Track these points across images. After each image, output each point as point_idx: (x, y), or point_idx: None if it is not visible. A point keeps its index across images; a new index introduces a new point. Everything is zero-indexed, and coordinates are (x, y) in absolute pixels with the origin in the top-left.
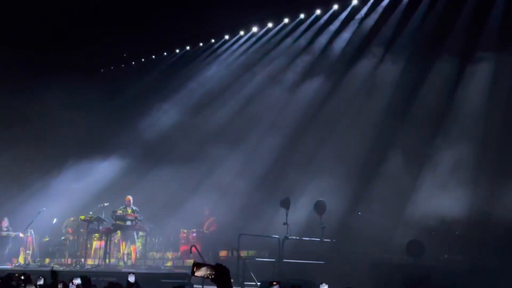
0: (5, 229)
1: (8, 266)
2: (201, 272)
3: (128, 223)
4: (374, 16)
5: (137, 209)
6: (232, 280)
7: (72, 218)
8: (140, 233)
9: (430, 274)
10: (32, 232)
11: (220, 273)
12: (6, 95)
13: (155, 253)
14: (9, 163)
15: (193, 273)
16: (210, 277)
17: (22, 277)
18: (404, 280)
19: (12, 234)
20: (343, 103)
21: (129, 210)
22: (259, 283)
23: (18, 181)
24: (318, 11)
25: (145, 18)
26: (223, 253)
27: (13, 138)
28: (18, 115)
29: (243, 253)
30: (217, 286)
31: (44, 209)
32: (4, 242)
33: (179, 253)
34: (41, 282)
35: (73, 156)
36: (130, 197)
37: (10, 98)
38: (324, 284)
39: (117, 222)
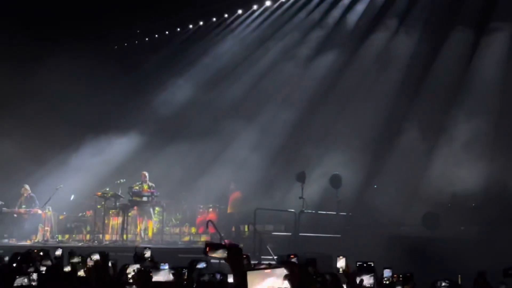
0: (29, 198)
1: (27, 243)
2: (214, 253)
3: (145, 198)
4: None
5: (153, 185)
6: (248, 254)
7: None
8: (157, 209)
9: (446, 245)
10: (50, 209)
11: (233, 253)
12: (23, 70)
13: (171, 229)
14: (26, 140)
15: (205, 253)
16: (224, 257)
17: (41, 253)
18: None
19: (30, 211)
20: (358, 76)
21: (145, 186)
22: (275, 257)
23: (36, 157)
24: None
25: None
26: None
27: (30, 114)
28: (35, 91)
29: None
30: (229, 265)
31: (62, 185)
32: (21, 219)
33: (196, 228)
34: (59, 252)
35: (90, 132)
36: (145, 173)
37: (26, 73)
38: (341, 257)
39: (134, 198)
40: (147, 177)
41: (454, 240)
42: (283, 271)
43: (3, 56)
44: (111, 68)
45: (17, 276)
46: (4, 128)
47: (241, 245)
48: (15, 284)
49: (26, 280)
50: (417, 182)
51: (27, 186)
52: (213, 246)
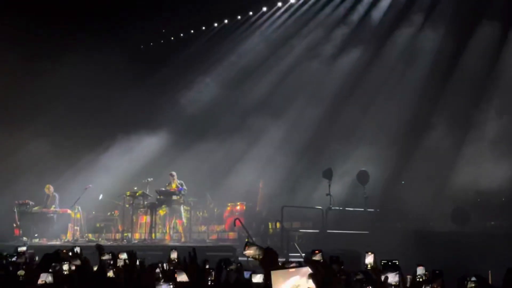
0: (51, 197)
1: (57, 242)
2: (250, 252)
3: (174, 197)
4: None
5: (182, 182)
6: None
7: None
8: (185, 207)
9: (475, 241)
10: (80, 208)
11: (269, 257)
12: (53, 71)
13: (199, 227)
14: (57, 140)
15: (244, 251)
16: (257, 258)
17: (70, 253)
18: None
19: (59, 211)
20: (383, 72)
21: (174, 185)
22: (303, 254)
23: (66, 157)
24: None
25: None
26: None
27: (61, 113)
28: (66, 91)
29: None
30: (263, 267)
31: (91, 185)
32: (50, 219)
33: (224, 226)
34: (77, 249)
35: (119, 132)
36: (173, 172)
37: (56, 73)
38: (369, 253)
39: (162, 197)
40: (175, 176)
41: (484, 236)
42: (308, 270)
43: (34, 57)
44: (137, 67)
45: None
46: (36, 128)
47: (268, 243)
48: (39, 281)
49: (50, 277)
50: (445, 177)
51: (49, 186)
52: (251, 245)
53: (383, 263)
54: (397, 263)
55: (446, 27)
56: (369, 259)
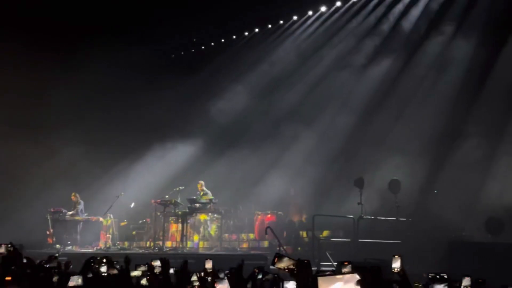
0: (77, 204)
1: (89, 250)
2: (281, 264)
3: (203, 206)
4: None
5: (209, 192)
6: (309, 260)
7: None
8: (215, 216)
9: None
10: (112, 216)
11: (301, 268)
12: (86, 79)
13: (230, 235)
14: (90, 147)
15: (273, 263)
16: (289, 270)
17: (104, 260)
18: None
19: (81, 218)
20: (415, 81)
21: (201, 193)
22: (335, 263)
23: (99, 164)
24: None
25: (214, 1)
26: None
27: (94, 121)
28: (99, 100)
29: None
30: (296, 279)
31: (122, 193)
32: (82, 227)
33: (254, 234)
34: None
35: (151, 140)
36: (201, 182)
37: (89, 82)
38: (396, 256)
39: (193, 205)
40: (203, 185)
41: None
42: (353, 277)
43: (66, 65)
44: (169, 76)
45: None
46: (69, 136)
47: (299, 249)
48: (70, 283)
49: (80, 280)
50: (478, 187)
51: (76, 193)
52: (281, 257)
53: (431, 276)
54: (445, 276)
55: (478, 35)
56: (397, 263)
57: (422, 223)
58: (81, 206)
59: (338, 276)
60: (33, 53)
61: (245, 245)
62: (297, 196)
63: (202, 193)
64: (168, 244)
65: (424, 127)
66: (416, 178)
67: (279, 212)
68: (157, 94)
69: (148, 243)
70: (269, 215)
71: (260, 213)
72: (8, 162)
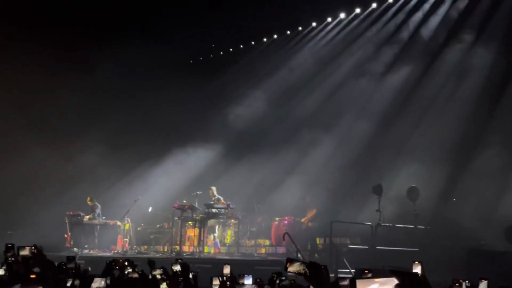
0: (95, 208)
1: (107, 254)
2: (293, 268)
3: (221, 211)
4: None
5: (221, 198)
6: (326, 265)
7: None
8: (232, 221)
9: None
10: (129, 220)
11: (315, 271)
12: (105, 83)
13: (247, 241)
14: (108, 151)
15: (286, 269)
16: (303, 274)
17: (126, 263)
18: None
19: (98, 221)
20: (434, 88)
21: (213, 199)
22: (353, 270)
23: (117, 169)
24: None
25: (233, 7)
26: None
27: (112, 125)
28: (116, 103)
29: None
30: (311, 284)
31: (140, 198)
32: (99, 230)
33: (272, 240)
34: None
35: (169, 145)
36: (213, 188)
37: (108, 87)
38: (416, 262)
39: (209, 210)
40: (215, 191)
41: None
42: (390, 280)
43: (85, 71)
44: (187, 81)
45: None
46: (88, 140)
47: (316, 255)
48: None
49: (103, 282)
50: (497, 196)
51: (92, 198)
52: (293, 261)
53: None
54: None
55: (498, 44)
56: (417, 269)
57: (441, 231)
58: (98, 210)
59: (376, 279)
60: (51, 56)
61: (262, 251)
62: (312, 203)
63: (213, 198)
64: (185, 248)
65: (443, 134)
66: (435, 186)
67: (297, 218)
68: (176, 98)
69: (165, 247)
70: (286, 221)
71: (277, 218)
72: (28, 166)
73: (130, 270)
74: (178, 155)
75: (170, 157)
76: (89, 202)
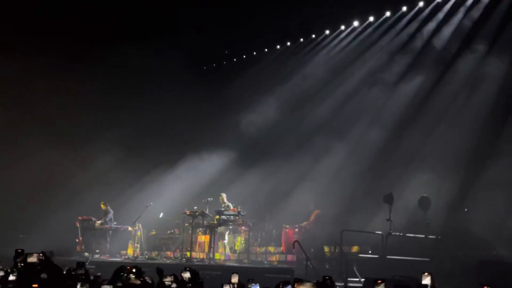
0: (107, 213)
1: (117, 259)
2: None
3: (231, 218)
4: (479, 7)
5: (230, 205)
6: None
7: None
8: (243, 228)
9: None
10: (140, 226)
11: None
12: (118, 90)
13: (258, 248)
14: (120, 157)
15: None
16: None
17: (134, 270)
18: None
19: (120, 227)
20: (447, 98)
21: (223, 206)
22: (362, 279)
23: (129, 174)
24: (421, 3)
25: (247, 14)
26: (325, 249)
27: (125, 131)
28: (129, 109)
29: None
30: None
31: (151, 203)
32: (110, 235)
33: (282, 248)
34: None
35: (181, 151)
36: (223, 194)
37: (121, 93)
38: (426, 273)
39: (220, 217)
40: (225, 198)
41: None
42: None
43: (105, 77)
44: (200, 88)
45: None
46: (100, 146)
47: (326, 266)
48: None
49: None
50: (510, 205)
51: (105, 202)
52: (301, 282)
53: None
54: None
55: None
56: (427, 280)
57: (452, 241)
58: (110, 215)
59: None
60: (65, 59)
61: (272, 258)
62: (318, 209)
63: (224, 205)
64: (196, 255)
65: (455, 144)
66: (447, 195)
67: (307, 226)
68: (189, 105)
69: (176, 253)
70: (296, 229)
71: (288, 226)
72: (40, 170)
73: (133, 277)
74: (191, 161)
75: (183, 163)
76: (102, 207)
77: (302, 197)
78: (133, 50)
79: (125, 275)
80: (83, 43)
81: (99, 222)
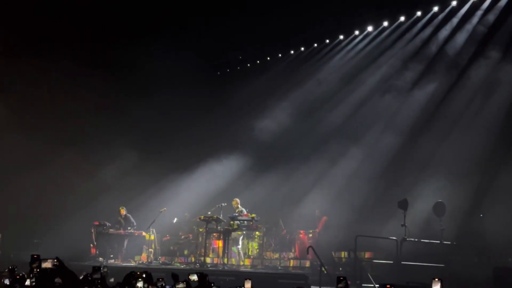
0: (124, 217)
1: (131, 264)
2: None
3: (245, 223)
4: (495, 12)
5: (244, 210)
6: (349, 282)
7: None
8: (257, 233)
9: None
10: (154, 231)
11: None
12: (134, 95)
13: (272, 253)
14: (134, 163)
15: None
16: None
17: (144, 275)
18: None
19: (135, 232)
20: (461, 104)
21: (237, 211)
22: (377, 286)
23: (144, 180)
24: (435, 8)
25: (262, 19)
26: (341, 255)
27: (139, 137)
28: (144, 114)
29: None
30: None
31: (165, 208)
32: (125, 240)
33: (296, 253)
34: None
35: (194, 157)
36: (237, 200)
37: (138, 99)
38: (436, 279)
39: (234, 222)
40: (239, 203)
41: None
42: None
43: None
44: (215, 93)
45: None
46: (114, 152)
47: (340, 269)
48: None
49: None
50: None
51: (123, 207)
52: None
53: None
54: None
55: None
56: (437, 287)
57: (467, 247)
58: (130, 220)
59: None
60: (80, 68)
61: (286, 264)
62: (322, 215)
63: (237, 210)
64: (209, 260)
65: (469, 150)
66: (462, 201)
67: (321, 232)
68: (204, 109)
69: (190, 258)
70: (310, 234)
71: (301, 232)
72: (56, 174)
73: (134, 282)
74: (205, 166)
75: (197, 168)
76: (121, 212)
77: (316, 202)
78: (147, 53)
79: (135, 279)
80: (99, 48)
81: (113, 229)
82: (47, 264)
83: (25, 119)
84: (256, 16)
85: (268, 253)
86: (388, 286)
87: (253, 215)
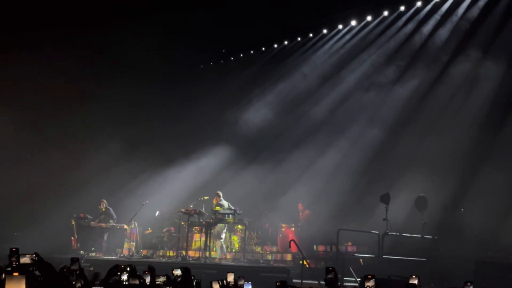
0: (104, 210)
1: (113, 257)
2: None
3: (227, 216)
4: (477, 7)
5: (225, 204)
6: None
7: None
8: (239, 227)
9: None
10: (136, 224)
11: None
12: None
13: (254, 247)
14: (115, 155)
15: None
16: None
17: (128, 269)
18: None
19: (117, 226)
20: (444, 99)
21: (220, 203)
22: (358, 279)
23: (126, 173)
24: (419, 3)
25: (245, 13)
26: (321, 248)
27: (121, 131)
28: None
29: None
30: None
31: (147, 201)
32: (106, 233)
33: (278, 247)
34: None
35: (177, 150)
36: (219, 193)
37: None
38: (414, 277)
39: (216, 215)
40: (221, 196)
41: None
42: None
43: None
44: (199, 86)
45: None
46: (95, 144)
47: (322, 263)
48: None
49: None
50: (506, 206)
51: (104, 200)
52: None
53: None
54: None
55: (507, 57)
56: (414, 282)
57: (448, 241)
58: (111, 213)
59: None
60: (69, 61)
61: (268, 257)
62: (304, 209)
63: (220, 203)
64: (191, 253)
65: (452, 144)
66: (443, 195)
67: (303, 226)
68: (187, 104)
69: (171, 252)
70: (293, 228)
71: (284, 225)
72: (37, 167)
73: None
74: (189, 160)
75: (181, 162)
76: (101, 205)
77: (299, 196)
78: (132, 43)
79: (119, 273)
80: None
81: (94, 221)
82: (25, 260)
83: (3, 112)
84: (240, 9)
85: (250, 247)
86: (369, 276)
87: (234, 207)
